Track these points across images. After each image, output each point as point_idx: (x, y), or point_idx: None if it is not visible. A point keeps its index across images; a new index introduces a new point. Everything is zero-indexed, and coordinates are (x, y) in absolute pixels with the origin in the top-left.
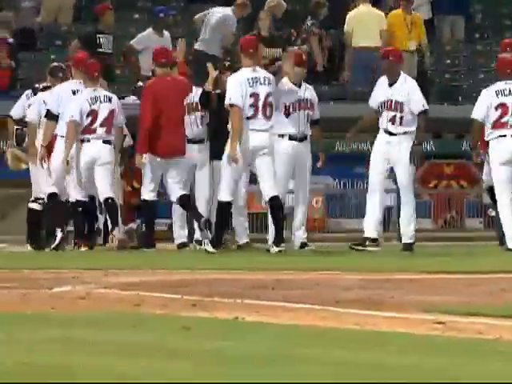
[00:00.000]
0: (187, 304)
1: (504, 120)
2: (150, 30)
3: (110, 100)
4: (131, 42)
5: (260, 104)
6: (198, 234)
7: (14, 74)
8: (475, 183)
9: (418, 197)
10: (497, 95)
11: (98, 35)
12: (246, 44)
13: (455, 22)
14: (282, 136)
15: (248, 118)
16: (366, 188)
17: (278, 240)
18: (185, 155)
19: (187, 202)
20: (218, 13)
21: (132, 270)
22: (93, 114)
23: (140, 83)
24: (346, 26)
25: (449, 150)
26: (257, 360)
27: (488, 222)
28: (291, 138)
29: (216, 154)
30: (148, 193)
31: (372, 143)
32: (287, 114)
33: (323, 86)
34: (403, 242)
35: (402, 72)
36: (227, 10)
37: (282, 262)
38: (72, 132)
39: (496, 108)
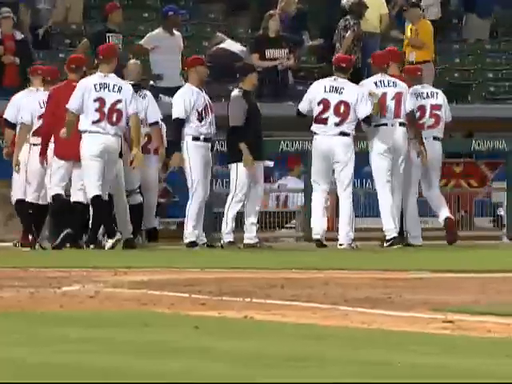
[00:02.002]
0: (196, 303)
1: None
2: (160, 29)
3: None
4: (141, 42)
5: (106, 109)
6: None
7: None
8: (484, 182)
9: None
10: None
11: (107, 34)
12: (102, 51)
13: (468, 21)
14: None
15: (94, 122)
16: (374, 187)
17: (109, 233)
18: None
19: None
20: (230, 46)
21: (141, 269)
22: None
23: (151, 82)
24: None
25: (458, 149)
26: (266, 359)
27: (497, 221)
28: None
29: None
30: (54, 188)
31: None
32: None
33: None
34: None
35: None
36: (239, 47)
37: (291, 261)
38: (22, 135)
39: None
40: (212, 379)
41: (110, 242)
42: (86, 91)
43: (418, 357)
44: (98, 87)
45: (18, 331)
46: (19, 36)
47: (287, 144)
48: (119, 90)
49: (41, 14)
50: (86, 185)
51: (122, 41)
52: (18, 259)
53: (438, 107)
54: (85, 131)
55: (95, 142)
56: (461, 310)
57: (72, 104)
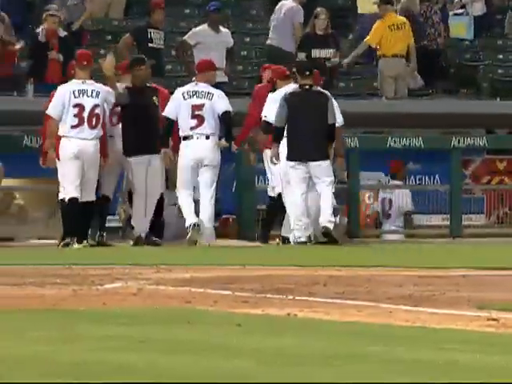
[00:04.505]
0: (238, 300)
1: None
2: (204, 26)
3: None
4: (184, 38)
5: (85, 114)
6: None
7: (65, 69)
8: None
9: (471, 193)
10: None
11: (148, 30)
12: (80, 57)
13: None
14: None
15: (73, 127)
16: (418, 183)
17: (78, 237)
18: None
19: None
20: (284, 5)
21: (183, 266)
22: None
23: (193, 78)
24: None
25: (502, 145)
26: (310, 358)
27: None
28: None
29: None
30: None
31: (425, 139)
32: None
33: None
34: None
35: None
36: (291, 2)
37: (333, 258)
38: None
39: None
40: (235, 379)
41: (76, 246)
42: (65, 97)
43: (460, 355)
44: (76, 93)
45: (58, 328)
46: (62, 33)
47: None
48: (97, 95)
49: (71, 9)
50: (64, 186)
51: (163, 37)
52: (60, 257)
53: None
54: (63, 136)
55: (72, 144)
56: (505, 307)
57: (52, 110)
